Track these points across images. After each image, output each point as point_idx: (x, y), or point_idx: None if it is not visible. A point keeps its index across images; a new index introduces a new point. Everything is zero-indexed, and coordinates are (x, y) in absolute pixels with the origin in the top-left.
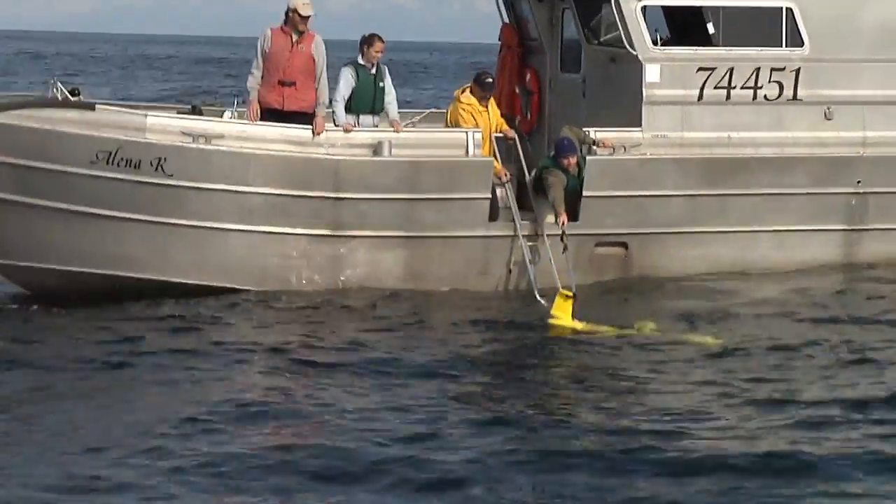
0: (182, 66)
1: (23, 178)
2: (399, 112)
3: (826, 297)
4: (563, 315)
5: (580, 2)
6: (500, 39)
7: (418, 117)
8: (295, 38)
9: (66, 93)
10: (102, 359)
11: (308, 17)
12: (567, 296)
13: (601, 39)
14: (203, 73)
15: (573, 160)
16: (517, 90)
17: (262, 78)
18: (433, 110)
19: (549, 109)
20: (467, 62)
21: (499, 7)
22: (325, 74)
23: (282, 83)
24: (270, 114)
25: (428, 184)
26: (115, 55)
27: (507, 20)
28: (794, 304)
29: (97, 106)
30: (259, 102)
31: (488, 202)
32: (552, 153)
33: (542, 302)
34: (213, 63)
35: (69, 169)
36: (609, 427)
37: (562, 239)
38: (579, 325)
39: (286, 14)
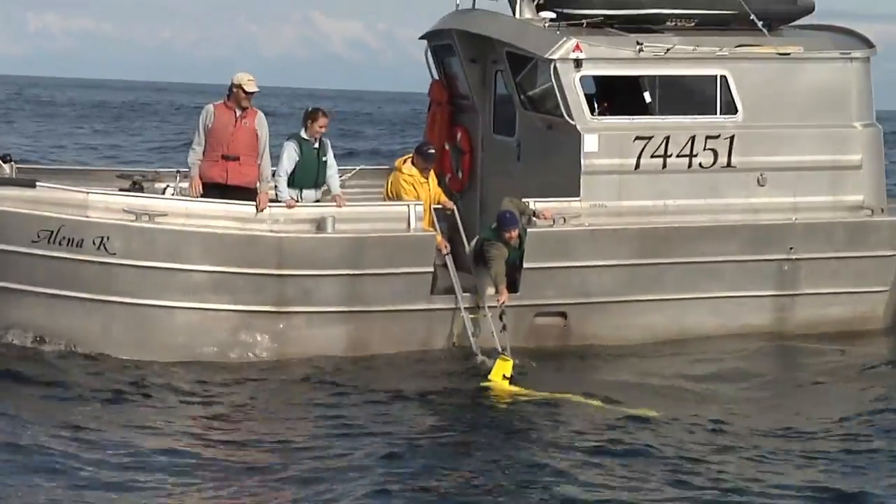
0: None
1: None
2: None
3: (759, 368)
4: (499, 380)
5: (515, 67)
6: (429, 95)
7: (348, 175)
8: (238, 113)
9: None
10: (42, 437)
11: (253, 93)
12: (505, 360)
13: (537, 106)
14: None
15: (515, 233)
16: (447, 147)
17: (203, 153)
18: (362, 167)
19: (481, 170)
20: (411, 110)
21: (428, 63)
22: (267, 150)
23: (225, 157)
24: (213, 188)
25: (371, 259)
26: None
27: (436, 77)
28: (729, 374)
29: (38, 183)
30: (201, 177)
31: (431, 276)
32: (494, 225)
33: (484, 359)
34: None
35: (9, 248)
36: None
37: (500, 317)
38: (514, 390)
39: (230, 89)
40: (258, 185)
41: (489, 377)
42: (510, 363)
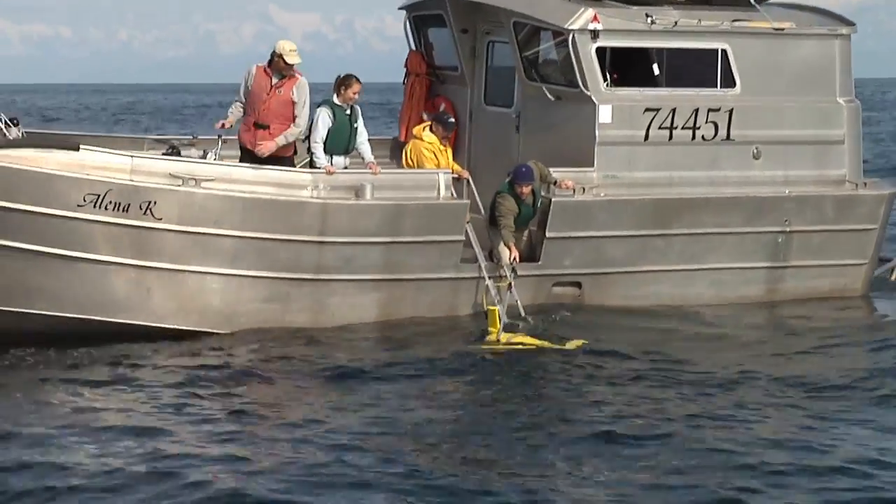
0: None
1: (2, 220)
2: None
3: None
4: (495, 327)
5: (522, 37)
6: (405, 66)
7: None
8: (275, 81)
9: (7, 122)
10: (67, 405)
11: (293, 64)
12: (492, 308)
13: (545, 76)
14: None
15: (528, 189)
16: (425, 118)
17: (243, 112)
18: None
19: (468, 141)
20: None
21: (407, 34)
22: (306, 109)
23: (257, 125)
24: (245, 153)
25: (409, 227)
26: None
27: (413, 47)
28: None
29: (81, 146)
30: (239, 139)
31: (461, 244)
32: (508, 179)
33: (528, 320)
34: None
35: (54, 211)
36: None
37: (509, 275)
38: (505, 338)
39: (271, 56)
40: (280, 136)
41: (490, 329)
42: (496, 310)
